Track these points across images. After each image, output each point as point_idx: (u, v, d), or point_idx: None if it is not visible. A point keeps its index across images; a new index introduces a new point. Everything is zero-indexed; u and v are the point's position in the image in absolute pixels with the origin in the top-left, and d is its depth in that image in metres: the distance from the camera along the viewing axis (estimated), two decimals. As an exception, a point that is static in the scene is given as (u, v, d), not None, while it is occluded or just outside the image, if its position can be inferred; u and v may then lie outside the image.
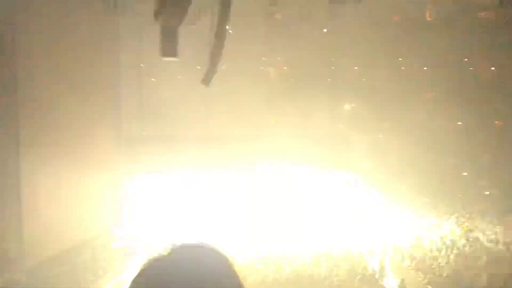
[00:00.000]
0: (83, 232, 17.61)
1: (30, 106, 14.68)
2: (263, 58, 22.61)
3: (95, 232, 18.46)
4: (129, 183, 20.88)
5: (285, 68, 23.04)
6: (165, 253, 1.18)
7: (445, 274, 15.80)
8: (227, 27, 9.79)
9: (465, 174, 21.31)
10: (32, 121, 14.82)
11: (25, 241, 14.68)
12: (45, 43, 15.07)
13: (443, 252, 17.49)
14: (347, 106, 22.48)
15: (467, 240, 18.50)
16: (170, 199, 21.67)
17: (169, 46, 9.29)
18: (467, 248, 17.82)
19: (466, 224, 19.88)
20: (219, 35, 9.67)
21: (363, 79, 22.56)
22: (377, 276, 16.23)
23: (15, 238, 15.43)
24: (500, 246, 17.85)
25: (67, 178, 16.50)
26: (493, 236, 18.59)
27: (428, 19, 20.78)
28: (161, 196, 21.92)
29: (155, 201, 21.69)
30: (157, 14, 8.79)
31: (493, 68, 21.89)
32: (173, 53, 9.46)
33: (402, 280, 15.43)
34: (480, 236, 18.84)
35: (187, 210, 21.10)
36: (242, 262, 16.74)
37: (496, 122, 21.96)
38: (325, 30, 21.85)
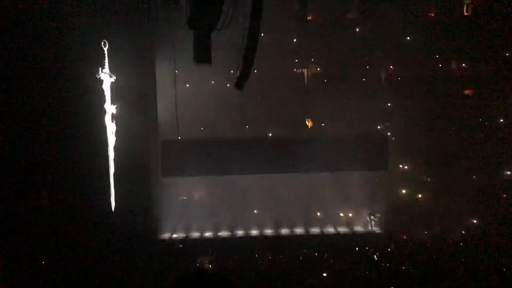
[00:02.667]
0: (124, 236, 18.01)
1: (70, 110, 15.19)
2: (296, 61, 22.52)
3: (138, 234, 18.84)
4: (166, 187, 21.22)
5: (318, 69, 22.87)
6: (170, 286, 1.17)
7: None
8: (259, 30, 9.80)
9: (509, 173, 20.56)
10: (71, 126, 15.30)
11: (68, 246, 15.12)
12: (81, 49, 15.57)
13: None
14: (383, 106, 22.07)
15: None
16: (207, 202, 21.91)
17: (202, 52, 9.36)
18: None
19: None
20: (252, 39, 9.69)
21: (399, 78, 22.13)
22: (418, 278, 15.84)
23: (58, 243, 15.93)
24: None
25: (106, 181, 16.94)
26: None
27: (466, 14, 20.20)
28: (198, 199, 22.17)
29: (193, 204, 21.96)
30: (190, 21, 8.89)
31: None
32: (207, 59, 9.53)
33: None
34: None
35: (222, 212, 21.29)
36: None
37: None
38: (357, 29, 21.56)
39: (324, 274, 16.14)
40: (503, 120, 20.95)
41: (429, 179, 21.90)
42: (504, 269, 15.71)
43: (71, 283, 15.09)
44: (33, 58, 15.80)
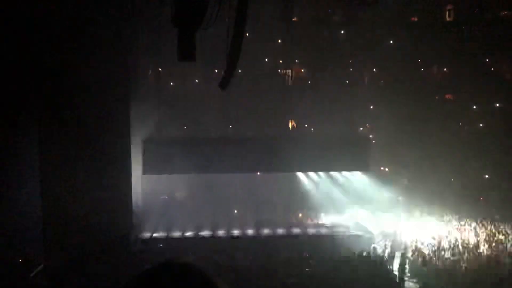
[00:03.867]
0: (102, 235, 17.78)
1: (51, 109, 14.96)
2: (280, 61, 22.58)
3: (114, 235, 18.61)
4: (147, 185, 21.06)
5: (302, 71, 22.97)
6: (146, 272, 1.09)
7: (468, 279, 15.50)
8: (244, 30, 9.80)
9: (487, 176, 20.94)
10: (54, 124, 15.07)
11: (46, 245, 14.88)
12: (66, 50, 15.32)
13: (465, 256, 17.19)
14: (365, 109, 22.29)
15: (490, 244, 18.16)
16: (187, 200, 21.81)
17: (186, 50, 9.32)
18: (489, 252, 17.49)
19: (489, 228, 19.51)
20: (236, 39, 9.68)
21: (382, 81, 22.36)
22: (397, 280, 16.01)
23: (36, 241, 15.69)
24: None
25: (86, 180, 16.70)
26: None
27: (447, 19, 20.53)
28: (178, 197, 22.05)
29: (173, 202, 21.83)
30: (175, 19, 8.84)
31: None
32: (191, 57, 9.49)
33: (425, 284, 15.17)
34: (503, 239, 18.48)
35: (204, 211, 21.21)
36: (259, 266, 16.74)
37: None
38: (342, 32, 21.73)
39: (305, 273, 16.20)
40: (483, 125, 21.33)
41: (406, 181, 22.19)
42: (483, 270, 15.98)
43: (50, 283, 14.87)
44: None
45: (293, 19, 21.25)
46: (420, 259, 17.26)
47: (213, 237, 20.87)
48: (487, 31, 20.36)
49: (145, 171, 20.13)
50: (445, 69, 22.33)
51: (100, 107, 17.08)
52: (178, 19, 8.63)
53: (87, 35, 16.12)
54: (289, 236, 20.72)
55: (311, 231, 21.46)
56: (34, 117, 14.54)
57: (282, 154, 20.28)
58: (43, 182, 14.68)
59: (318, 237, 20.77)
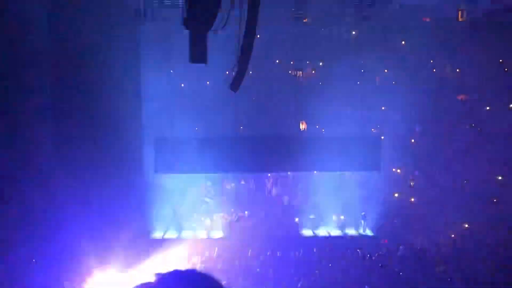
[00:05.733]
0: (114, 234, 17.93)
1: (63, 108, 15.12)
2: (291, 62, 22.58)
3: (126, 234, 18.75)
4: (158, 184, 21.20)
5: (313, 72, 22.94)
6: (153, 280, 1.10)
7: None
8: (255, 31, 9.83)
9: (500, 178, 20.72)
10: (65, 124, 15.24)
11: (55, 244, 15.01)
12: (78, 49, 15.47)
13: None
14: (377, 109, 22.19)
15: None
16: (198, 200, 21.92)
17: (198, 52, 9.37)
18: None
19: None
20: (247, 40, 9.71)
21: (393, 82, 22.25)
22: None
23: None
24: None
25: (97, 179, 16.84)
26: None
27: (460, 19, 20.34)
28: (189, 197, 22.17)
29: (184, 202, 21.95)
30: (186, 20, 8.90)
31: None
32: (202, 59, 9.53)
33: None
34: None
35: (215, 210, 21.33)
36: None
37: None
38: (353, 32, 21.67)
39: (315, 274, 16.21)
40: (496, 126, 21.09)
41: (412, 183, 22.08)
42: (494, 273, 15.85)
43: (60, 282, 15.03)
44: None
45: (304, 20, 21.24)
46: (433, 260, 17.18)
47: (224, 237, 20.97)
48: (500, 31, 20.14)
49: (157, 170, 20.29)
50: (457, 70, 22.15)
51: (112, 106, 17.23)
52: (190, 21, 8.69)
53: (100, 36, 16.27)
54: (300, 237, 20.75)
55: (321, 231, 21.47)
56: (45, 116, 14.68)
57: (293, 154, 20.31)
58: (53, 181, 14.81)
59: (328, 238, 20.78)
